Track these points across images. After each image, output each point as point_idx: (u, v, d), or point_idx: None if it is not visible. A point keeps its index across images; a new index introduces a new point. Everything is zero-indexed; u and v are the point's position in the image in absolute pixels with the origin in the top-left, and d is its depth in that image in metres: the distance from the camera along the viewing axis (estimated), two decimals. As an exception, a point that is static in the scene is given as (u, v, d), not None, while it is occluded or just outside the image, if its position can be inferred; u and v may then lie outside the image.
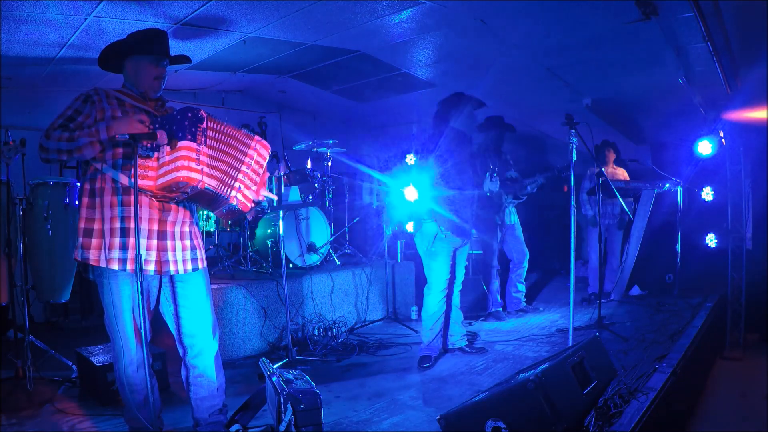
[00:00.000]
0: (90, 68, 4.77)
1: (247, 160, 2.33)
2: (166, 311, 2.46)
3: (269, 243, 4.73)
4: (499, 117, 5.10)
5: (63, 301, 3.65)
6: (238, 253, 5.00)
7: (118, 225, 2.25)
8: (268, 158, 2.42)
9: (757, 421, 3.95)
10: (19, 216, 3.39)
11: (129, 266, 2.23)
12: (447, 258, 3.76)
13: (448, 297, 3.89)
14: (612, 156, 5.98)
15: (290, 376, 2.54)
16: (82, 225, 2.29)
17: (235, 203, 2.31)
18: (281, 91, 6.62)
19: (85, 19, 3.81)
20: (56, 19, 3.79)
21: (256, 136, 2.37)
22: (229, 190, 2.28)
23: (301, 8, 3.94)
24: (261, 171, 2.41)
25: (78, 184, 3.71)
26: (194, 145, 2.16)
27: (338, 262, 5.23)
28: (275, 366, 2.85)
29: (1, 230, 3.29)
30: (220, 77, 5.91)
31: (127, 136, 2.09)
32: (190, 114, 2.18)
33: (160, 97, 2.47)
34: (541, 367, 2.23)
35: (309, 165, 5.45)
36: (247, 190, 2.34)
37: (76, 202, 3.66)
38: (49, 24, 3.85)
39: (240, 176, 2.31)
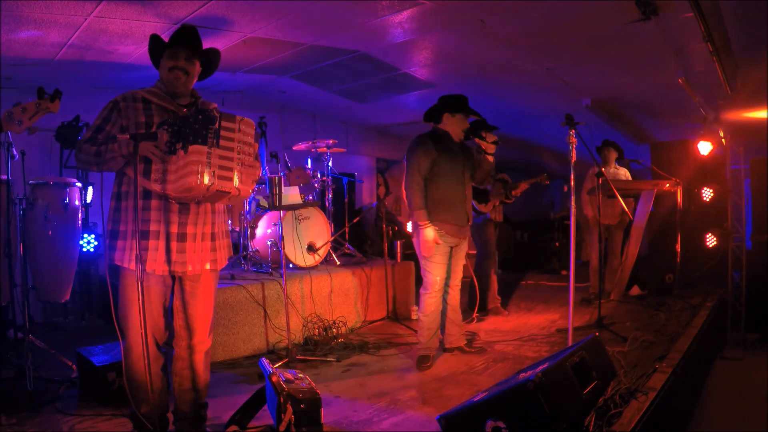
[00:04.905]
0: (90, 70, 4.79)
1: (236, 145, 2.28)
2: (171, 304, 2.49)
3: (269, 243, 4.73)
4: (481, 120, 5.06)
5: (63, 301, 3.64)
6: (238, 253, 5.00)
7: (141, 227, 2.28)
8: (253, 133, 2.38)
9: (757, 421, 3.95)
10: (19, 216, 3.39)
11: (148, 267, 2.29)
12: (444, 258, 3.76)
13: (447, 296, 3.90)
14: (613, 155, 5.94)
15: (290, 376, 2.54)
16: (109, 227, 2.37)
17: (237, 193, 2.30)
18: (281, 91, 6.62)
19: (85, 19, 3.81)
20: (56, 19, 3.79)
21: (238, 116, 2.31)
22: (236, 183, 2.26)
23: (301, 8, 3.94)
24: (252, 150, 2.36)
25: (78, 184, 3.77)
26: (204, 148, 2.17)
27: (338, 262, 5.23)
28: (275, 366, 2.86)
29: (1, 230, 3.28)
30: (220, 77, 5.90)
31: (128, 136, 2.13)
32: (200, 116, 2.20)
33: (193, 97, 2.49)
34: (541, 367, 2.23)
35: (309, 165, 5.45)
36: (245, 177, 2.30)
37: (76, 203, 3.73)
38: (49, 24, 3.85)
39: (235, 164, 2.26)
